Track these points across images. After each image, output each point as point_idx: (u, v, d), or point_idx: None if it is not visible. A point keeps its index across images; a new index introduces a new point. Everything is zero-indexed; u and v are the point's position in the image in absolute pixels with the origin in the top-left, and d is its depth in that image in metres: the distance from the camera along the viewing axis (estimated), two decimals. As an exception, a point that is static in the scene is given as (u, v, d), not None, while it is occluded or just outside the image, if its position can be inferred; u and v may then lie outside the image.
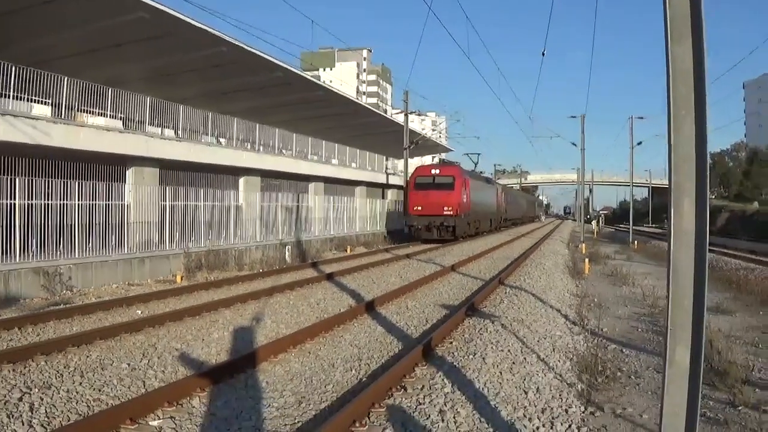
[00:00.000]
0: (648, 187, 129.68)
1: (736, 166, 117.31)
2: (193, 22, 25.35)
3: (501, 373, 9.07)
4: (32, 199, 19.73)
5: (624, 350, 11.13)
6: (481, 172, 61.12)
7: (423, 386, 8.46)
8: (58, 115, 22.85)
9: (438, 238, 40.71)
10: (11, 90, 21.16)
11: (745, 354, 10.31)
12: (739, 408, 7.74)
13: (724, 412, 7.59)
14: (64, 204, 20.84)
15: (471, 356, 10.00)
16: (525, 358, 9.91)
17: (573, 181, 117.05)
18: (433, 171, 43.90)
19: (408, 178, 46.15)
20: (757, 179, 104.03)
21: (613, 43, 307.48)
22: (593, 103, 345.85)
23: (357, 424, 7.06)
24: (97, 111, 25.34)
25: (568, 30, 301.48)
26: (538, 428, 7.03)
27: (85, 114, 24.71)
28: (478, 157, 62.64)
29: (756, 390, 8.39)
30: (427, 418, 7.25)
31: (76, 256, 20.67)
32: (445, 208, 40.85)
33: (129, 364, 9.93)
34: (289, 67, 34.48)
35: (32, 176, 19.68)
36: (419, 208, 41.52)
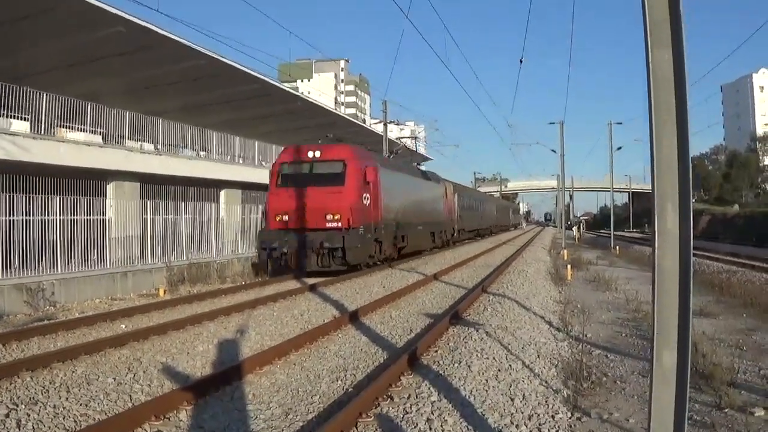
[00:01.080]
0: (628, 192, 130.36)
1: (715, 170, 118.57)
2: (170, 36, 25.36)
3: (487, 380, 9.07)
4: (13, 215, 19.62)
5: (609, 355, 11.17)
6: (418, 164, 45.62)
7: (409, 395, 8.45)
8: (37, 131, 22.76)
9: (320, 269, 24.01)
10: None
11: (729, 356, 10.35)
12: (726, 410, 7.77)
13: (710, 415, 7.63)
14: (45, 219, 20.73)
15: (456, 364, 10.00)
16: (510, 365, 9.92)
17: (553, 188, 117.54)
18: (310, 153, 25.58)
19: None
20: (737, 182, 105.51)
21: (591, 49, 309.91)
22: (572, 109, 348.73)
23: (345, 435, 7.04)
24: (76, 126, 25.31)
25: (546, 37, 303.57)
26: (525, 434, 7.05)
27: (64, 129, 24.64)
28: (415, 143, 45.66)
29: (741, 392, 8.46)
30: (415, 427, 7.24)
31: (59, 271, 20.58)
32: (329, 217, 24.00)
33: (115, 379, 9.86)
34: (267, 79, 34.56)
35: (13, 192, 19.58)
36: (285, 218, 24.48)
